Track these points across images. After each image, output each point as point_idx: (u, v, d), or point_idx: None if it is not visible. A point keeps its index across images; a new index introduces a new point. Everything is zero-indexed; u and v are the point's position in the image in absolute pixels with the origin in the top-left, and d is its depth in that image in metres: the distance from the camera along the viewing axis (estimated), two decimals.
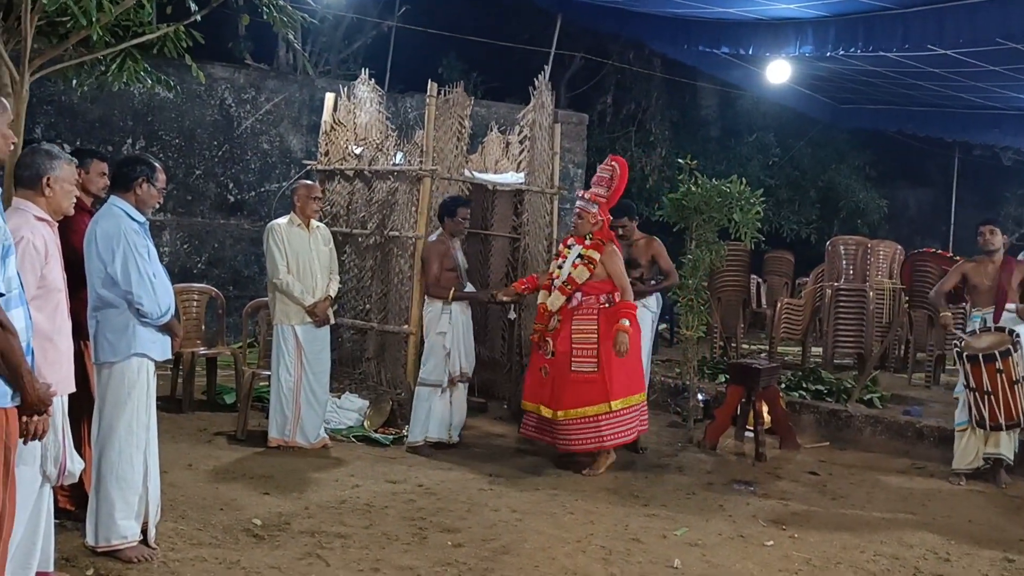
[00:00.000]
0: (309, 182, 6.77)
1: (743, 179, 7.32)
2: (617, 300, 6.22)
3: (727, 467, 6.70)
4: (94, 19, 4.96)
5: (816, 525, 5.41)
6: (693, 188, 7.22)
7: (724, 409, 7.27)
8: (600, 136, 14.12)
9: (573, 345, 6.15)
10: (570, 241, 6.43)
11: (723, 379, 8.40)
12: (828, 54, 9.11)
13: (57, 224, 3.75)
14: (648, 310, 7.14)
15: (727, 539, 5.08)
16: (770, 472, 6.60)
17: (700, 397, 7.86)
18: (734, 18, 9.64)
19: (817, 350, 10.04)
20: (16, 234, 3.39)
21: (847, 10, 8.39)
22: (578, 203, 6.39)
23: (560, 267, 6.35)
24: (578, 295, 6.21)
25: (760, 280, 12.27)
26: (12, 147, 3.14)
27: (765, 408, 7.21)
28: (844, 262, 9.84)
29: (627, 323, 6.07)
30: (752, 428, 7.14)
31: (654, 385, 8.07)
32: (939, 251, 10.29)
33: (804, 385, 8.28)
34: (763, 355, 9.84)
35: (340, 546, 4.59)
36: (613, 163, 6.34)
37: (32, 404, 3.06)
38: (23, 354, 2.97)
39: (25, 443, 3.15)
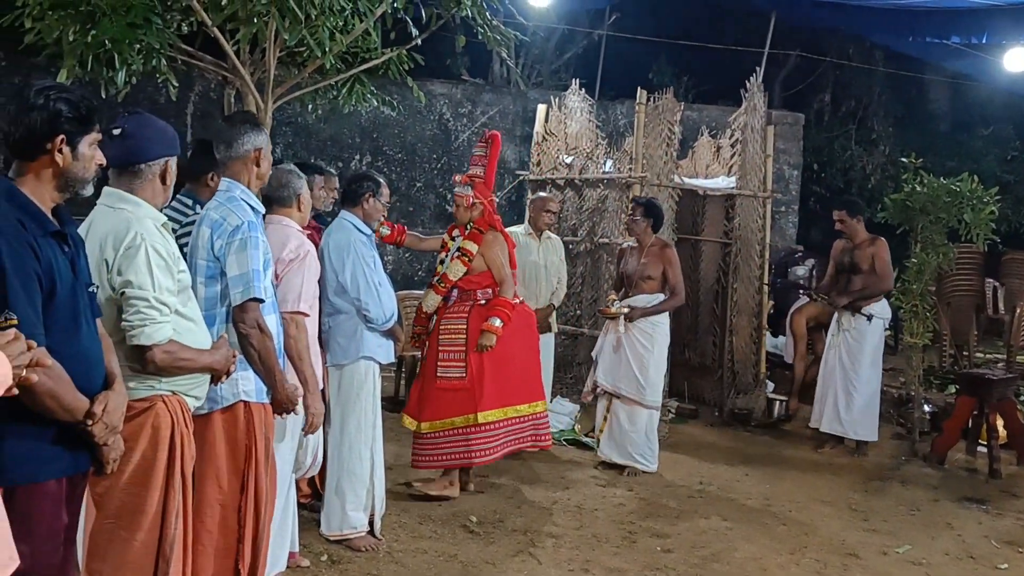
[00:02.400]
0: (544, 195, 6.94)
1: (975, 176, 6.92)
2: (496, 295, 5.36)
3: (956, 483, 6.31)
4: (327, 49, 5.39)
5: None
6: (918, 188, 6.90)
7: (953, 421, 6.84)
8: (818, 135, 13.62)
9: (440, 348, 5.29)
10: (455, 232, 5.54)
11: (952, 389, 7.92)
12: None
13: None
14: (879, 318, 6.85)
15: (955, 559, 4.82)
16: (1005, 490, 6.16)
17: (926, 408, 7.44)
18: (966, 5, 9.06)
19: None
20: (301, 248, 3.85)
21: None
22: (455, 189, 5.54)
23: (442, 262, 5.48)
24: (455, 292, 5.40)
25: (996, 284, 11.40)
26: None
27: (1000, 421, 6.73)
28: None
29: (498, 323, 5.19)
30: (985, 442, 6.68)
31: None
32: None
33: None
34: (999, 364, 9.16)
35: (551, 545, 4.74)
36: (487, 138, 5.53)
37: (280, 403, 3.38)
38: (276, 356, 3.30)
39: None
